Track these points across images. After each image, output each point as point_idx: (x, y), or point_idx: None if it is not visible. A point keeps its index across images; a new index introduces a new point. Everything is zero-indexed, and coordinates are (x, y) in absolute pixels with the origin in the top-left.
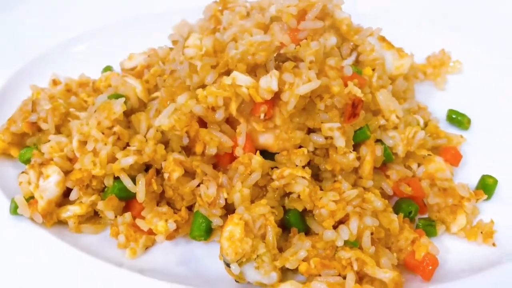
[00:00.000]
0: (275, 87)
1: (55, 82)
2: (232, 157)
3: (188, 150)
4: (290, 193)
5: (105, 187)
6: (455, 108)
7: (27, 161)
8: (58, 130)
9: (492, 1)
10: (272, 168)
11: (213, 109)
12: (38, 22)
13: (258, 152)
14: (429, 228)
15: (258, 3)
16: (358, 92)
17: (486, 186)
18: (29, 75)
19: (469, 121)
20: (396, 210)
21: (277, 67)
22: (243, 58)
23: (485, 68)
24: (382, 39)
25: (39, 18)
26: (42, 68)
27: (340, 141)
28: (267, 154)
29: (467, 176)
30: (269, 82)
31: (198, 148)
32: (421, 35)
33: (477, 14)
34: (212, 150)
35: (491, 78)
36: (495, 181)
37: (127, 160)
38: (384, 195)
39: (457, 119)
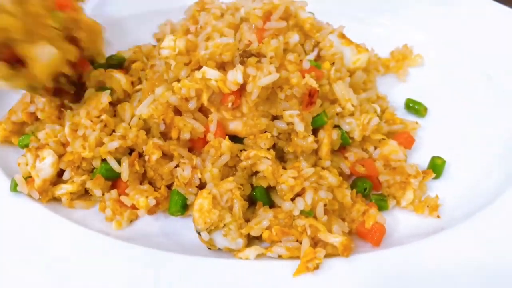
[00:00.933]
0: (240, 80)
1: None
2: (205, 142)
3: (166, 136)
4: (257, 172)
5: (94, 168)
6: (415, 98)
7: (25, 147)
8: (53, 119)
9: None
10: (240, 151)
11: (187, 99)
12: None
13: (227, 137)
14: (381, 202)
15: (233, 4)
16: (313, 83)
17: (435, 166)
18: None
19: (425, 109)
20: (353, 187)
21: (242, 62)
22: (211, 57)
23: (443, 62)
24: (342, 36)
25: None
26: None
27: (299, 126)
28: (236, 138)
29: (420, 157)
30: (234, 75)
31: (174, 133)
32: (386, 32)
33: (438, 12)
34: (186, 135)
35: (449, 71)
36: (443, 162)
37: (112, 144)
38: (342, 174)
39: (414, 107)
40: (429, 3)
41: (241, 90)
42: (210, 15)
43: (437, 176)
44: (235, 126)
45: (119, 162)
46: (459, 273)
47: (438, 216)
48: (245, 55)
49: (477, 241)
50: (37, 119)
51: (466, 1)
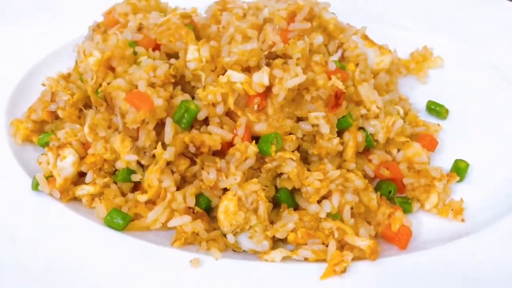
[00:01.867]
0: (266, 82)
1: (63, 76)
2: (231, 144)
3: None
4: (281, 173)
5: (116, 170)
6: (435, 100)
7: (45, 145)
8: (75, 119)
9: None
10: None
11: (214, 105)
12: (55, 17)
13: (254, 141)
14: (405, 205)
15: (254, 3)
16: (340, 85)
17: (459, 169)
18: (45, 69)
19: (447, 111)
20: (377, 189)
21: (268, 64)
22: (237, 63)
23: (464, 63)
24: (365, 37)
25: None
26: (57, 61)
27: (325, 128)
28: None
29: (443, 160)
30: (261, 77)
31: (204, 150)
32: (407, 34)
33: (460, 14)
34: (216, 147)
35: (469, 73)
36: (467, 165)
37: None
38: (366, 177)
39: (436, 110)
40: (449, 5)
41: (267, 92)
42: (233, 15)
43: (461, 179)
44: (260, 127)
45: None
46: (484, 278)
47: (462, 220)
48: (271, 57)
49: (503, 245)
50: (57, 117)
51: (487, 3)
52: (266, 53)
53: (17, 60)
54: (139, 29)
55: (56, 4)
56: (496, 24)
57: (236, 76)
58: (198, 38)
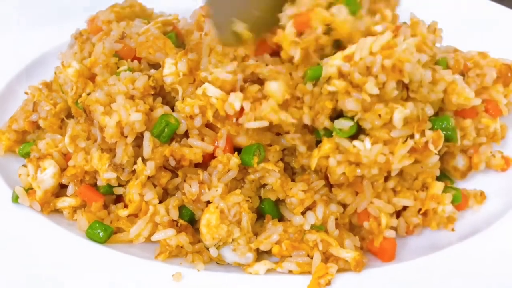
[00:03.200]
0: (237, 107)
1: (46, 85)
2: (212, 156)
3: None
4: (265, 184)
5: (97, 181)
6: None
7: (25, 155)
8: (56, 129)
9: None
10: None
11: (191, 117)
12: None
13: (236, 153)
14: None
15: None
16: None
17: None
18: (28, 76)
19: None
20: None
21: (242, 89)
22: (213, 81)
23: None
24: None
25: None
26: (41, 69)
27: (301, 148)
28: None
29: None
30: (233, 100)
31: (185, 163)
32: None
33: None
34: (197, 160)
35: None
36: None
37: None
38: None
39: None
40: None
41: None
42: None
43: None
44: (241, 139)
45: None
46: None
47: (452, 229)
48: (248, 79)
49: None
50: (38, 127)
51: None
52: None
53: (0, 68)
54: (122, 37)
55: (39, 11)
56: None
57: (212, 91)
58: (182, 45)
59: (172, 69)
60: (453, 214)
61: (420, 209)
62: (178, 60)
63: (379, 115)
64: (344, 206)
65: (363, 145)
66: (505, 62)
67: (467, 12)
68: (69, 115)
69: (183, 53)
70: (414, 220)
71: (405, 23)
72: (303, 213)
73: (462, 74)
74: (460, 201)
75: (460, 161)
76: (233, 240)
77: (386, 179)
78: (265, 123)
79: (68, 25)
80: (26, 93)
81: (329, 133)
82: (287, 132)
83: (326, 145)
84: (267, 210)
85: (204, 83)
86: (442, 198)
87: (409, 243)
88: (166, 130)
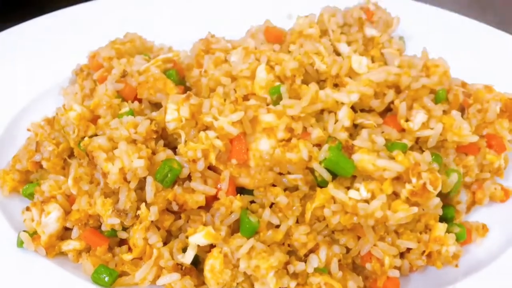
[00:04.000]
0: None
1: (48, 121)
2: (215, 198)
3: None
4: None
5: (101, 224)
6: None
7: (29, 196)
8: (59, 170)
9: None
10: (250, 203)
11: (194, 161)
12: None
13: (238, 195)
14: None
15: (240, 43)
16: None
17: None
18: (31, 112)
19: None
20: None
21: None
22: (219, 130)
23: None
24: None
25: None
26: (43, 103)
27: (304, 188)
28: (246, 190)
29: None
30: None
31: (188, 208)
32: None
33: None
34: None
35: None
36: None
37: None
38: None
39: None
40: None
41: (249, 144)
42: (215, 59)
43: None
44: (243, 179)
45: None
46: None
47: (456, 266)
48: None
49: None
50: (41, 167)
51: None
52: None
53: (2, 103)
54: (123, 76)
55: (40, 46)
56: None
57: (213, 134)
58: (182, 81)
59: (174, 115)
60: (457, 252)
61: (424, 251)
62: (180, 105)
63: None
64: (348, 247)
65: (359, 194)
66: (510, 96)
67: (473, 42)
68: (72, 155)
69: (185, 98)
70: (418, 262)
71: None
72: (306, 255)
73: (463, 109)
74: (465, 238)
75: (463, 197)
76: (237, 284)
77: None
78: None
79: (69, 59)
80: (29, 130)
81: (324, 182)
82: (289, 173)
83: (320, 195)
84: None
85: (206, 126)
86: (445, 239)
87: (413, 281)
88: (169, 175)
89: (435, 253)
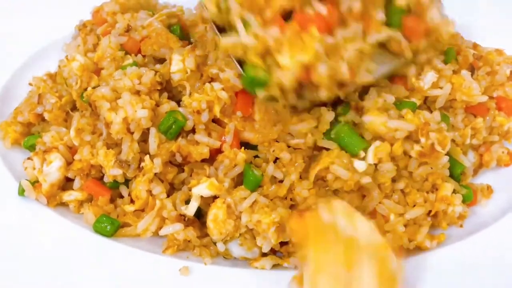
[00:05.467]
0: None
1: (50, 76)
2: (219, 151)
3: None
4: None
5: (103, 175)
6: None
7: (30, 148)
8: (61, 122)
9: None
10: (254, 157)
11: (198, 112)
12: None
13: (243, 148)
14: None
15: None
16: None
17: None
18: (34, 67)
19: None
20: None
21: None
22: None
23: None
24: None
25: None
26: (45, 59)
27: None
28: (250, 145)
29: None
30: None
31: (192, 160)
32: None
33: None
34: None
35: None
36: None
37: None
38: None
39: None
40: None
41: (255, 96)
42: None
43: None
44: (247, 134)
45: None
46: None
47: (461, 226)
48: None
49: None
50: (43, 120)
51: None
52: None
53: (4, 58)
54: (127, 30)
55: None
56: None
57: (219, 85)
58: (187, 37)
59: (179, 66)
60: (463, 212)
61: (430, 211)
62: (186, 57)
63: None
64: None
65: (366, 162)
66: None
67: (487, 8)
68: (74, 108)
69: (190, 50)
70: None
71: None
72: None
73: (472, 69)
74: (472, 199)
75: (470, 159)
76: (240, 234)
77: (394, 179)
78: None
79: (73, 14)
80: (30, 84)
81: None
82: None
83: (326, 159)
84: None
85: (211, 78)
86: (452, 199)
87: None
88: (173, 126)
89: (441, 213)
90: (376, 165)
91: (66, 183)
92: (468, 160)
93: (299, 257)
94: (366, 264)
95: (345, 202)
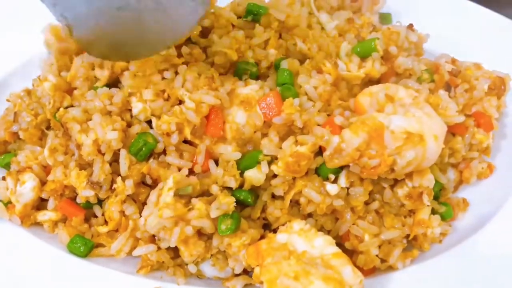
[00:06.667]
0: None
1: (28, 92)
2: (191, 171)
3: None
4: None
5: (77, 195)
6: None
7: (6, 166)
8: (36, 141)
9: None
10: None
11: (168, 134)
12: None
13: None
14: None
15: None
16: None
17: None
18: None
19: None
20: None
21: None
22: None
23: None
24: None
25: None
26: (25, 75)
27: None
28: None
29: None
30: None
31: (162, 181)
32: None
33: None
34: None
35: None
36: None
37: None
38: None
39: None
40: None
41: (227, 116)
42: None
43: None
44: (222, 148)
45: None
46: None
47: (440, 241)
48: None
49: None
50: (19, 138)
51: None
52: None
53: None
54: None
55: (24, 15)
56: None
57: (188, 104)
58: None
59: (138, 107)
60: (444, 231)
61: (408, 235)
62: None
63: None
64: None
65: (338, 185)
66: (499, 74)
67: (464, 21)
68: (49, 127)
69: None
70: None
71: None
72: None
73: (449, 87)
74: (452, 216)
75: (450, 176)
76: (211, 255)
77: (368, 203)
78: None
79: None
80: (8, 101)
81: None
82: None
83: (300, 182)
84: None
85: (179, 101)
86: (429, 222)
87: None
88: (143, 149)
89: (420, 236)
90: (348, 189)
91: (41, 203)
92: (447, 178)
93: (254, 279)
94: (315, 272)
95: (303, 222)
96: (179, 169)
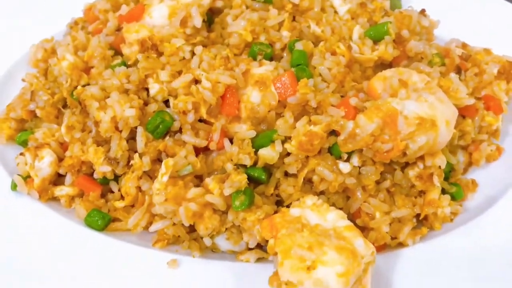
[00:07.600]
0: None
1: (43, 73)
2: (207, 149)
3: None
4: None
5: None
6: None
7: (23, 143)
8: (53, 119)
9: None
10: None
11: (185, 113)
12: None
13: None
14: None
15: None
16: None
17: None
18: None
19: None
20: None
21: None
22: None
23: None
24: None
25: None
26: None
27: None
28: None
29: None
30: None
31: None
32: None
33: None
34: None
35: None
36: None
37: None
38: None
39: None
40: None
41: (241, 95)
42: None
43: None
44: (238, 127)
45: None
46: None
47: (451, 220)
48: None
49: None
50: (36, 116)
51: None
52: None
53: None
54: (118, 29)
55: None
56: None
57: (205, 84)
58: None
59: (155, 88)
60: (455, 211)
61: (419, 214)
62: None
63: None
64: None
65: (350, 165)
66: (508, 59)
67: (475, 8)
68: (66, 105)
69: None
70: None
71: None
72: None
73: (459, 71)
74: (463, 196)
75: (460, 158)
76: (226, 229)
77: (379, 182)
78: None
79: (67, 11)
80: (24, 80)
81: None
82: None
83: (313, 161)
84: None
85: (197, 81)
86: (439, 202)
87: None
88: (160, 126)
89: (431, 216)
90: (359, 168)
91: (58, 179)
92: (457, 160)
93: (268, 250)
94: (328, 243)
95: (316, 198)
96: (195, 147)
